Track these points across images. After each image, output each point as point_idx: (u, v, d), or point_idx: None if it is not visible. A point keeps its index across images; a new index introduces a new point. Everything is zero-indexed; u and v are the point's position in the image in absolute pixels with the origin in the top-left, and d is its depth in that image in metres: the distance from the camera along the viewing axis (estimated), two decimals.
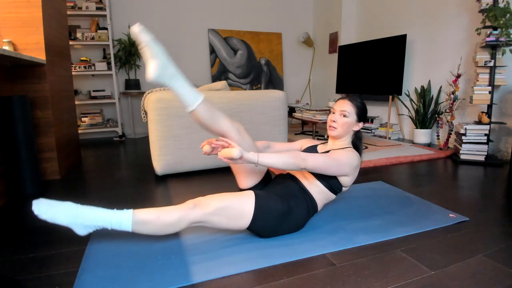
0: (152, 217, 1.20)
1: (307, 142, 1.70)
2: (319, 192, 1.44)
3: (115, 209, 1.21)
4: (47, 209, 1.15)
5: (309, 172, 1.45)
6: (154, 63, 1.22)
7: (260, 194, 1.34)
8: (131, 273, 1.13)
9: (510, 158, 2.61)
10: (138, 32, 1.18)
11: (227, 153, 1.21)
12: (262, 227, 1.33)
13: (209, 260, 1.22)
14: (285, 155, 1.27)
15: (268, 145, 1.67)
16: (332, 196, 1.48)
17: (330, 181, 1.44)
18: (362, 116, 1.51)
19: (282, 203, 1.35)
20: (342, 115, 1.48)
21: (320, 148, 1.58)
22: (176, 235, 1.41)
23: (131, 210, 1.20)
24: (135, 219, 1.19)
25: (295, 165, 1.28)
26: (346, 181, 1.45)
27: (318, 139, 3.85)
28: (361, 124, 1.52)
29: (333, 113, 1.52)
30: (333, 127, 1.50)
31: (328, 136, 1.58)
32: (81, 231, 1.19)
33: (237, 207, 1.27)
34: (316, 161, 1.32)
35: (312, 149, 1.58)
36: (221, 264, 1.18)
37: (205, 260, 1.21)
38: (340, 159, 1.38)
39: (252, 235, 1.40)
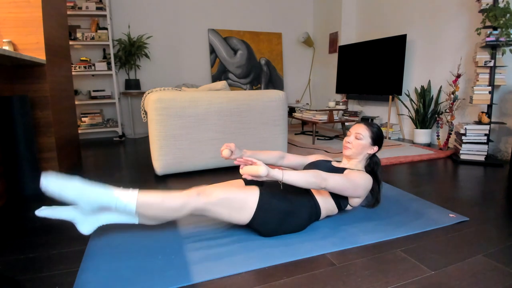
0: (157, 200, 1.22)
1: (320, 157, 1.73)
2: (325, 202, 1.47)
3: (121, 187, 1.23)
4: (55, 182, 1.16)
5: None
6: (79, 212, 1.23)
7: (265, 192, 1.35)
8: (131, 273, 1.13)
9: (510, 158, 2.62)
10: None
11: (253, 170, 1.22)
12: (263, 224, 1.33)
13: (209, 260, 1.21)
14: (307, 174, 1.29)
15: (283, 156, 1.71)
16: (335, 210, 1.51)
17: (340, 199, 1.47)
18: (376, 140, 1.55)
19: (285, 202, 1.36)
20: (356, 137, 1.53)
21: (335, 164, 1.61)
22: (176, 234, 1.41)
23: (136, 190, 1.22)
24: (140, 200, 1.20)
25: (316, 184, 1.30)
26: (356, 202, 1.49)
27: (318, 139, 3.85)
28: (375, 148, 1.56)
29: (349, 135, 1.58)
30: (348, 147, 1.55)
31: (343, 157, 1.62)
32: (86, 206, 1.20)
33: (240, 200, 1.28)
34: (335, 182, 1.34)
35: (326, 163, 1.60)
36: (221, 264, 1.18)
37: (206, 260, 1.21)
38: (357, 181, 1.41)
39: (253, 235, 1.40)
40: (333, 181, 1.33)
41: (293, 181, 1.26)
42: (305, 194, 1.45)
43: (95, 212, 1.28)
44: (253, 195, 1.31)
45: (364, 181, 1.44)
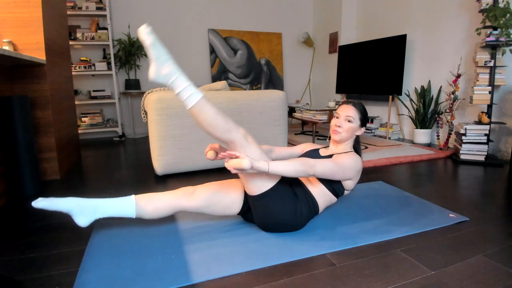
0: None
1: (308, 146, 1.71)
2: (321, 195, 1.45)
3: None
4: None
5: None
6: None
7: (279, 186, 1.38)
8: (131, 273, 1.13)
9: (510, 158, 2.62)
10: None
11: (236, 164, 1.17)
12: (266, 210, 1.35)
13: (209, 260, 1.22)
14: (295, 162, 1.27)
15: (271, 149, 1.69)
16: (334, 199, 1.50)
17: (333, 185, 1.46)
18: (364, 120, 1.54)
19: (293, 198, 1.38)
20: (347, 120, 1.50)
21: (322, 152, 1.59)
22: (176, 235, 1.41)
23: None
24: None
25: (304, 172, 1.28)
26: (349, 184, 1.47)
27: (318, 139, 3.85)
28: (363, 129, 1.54)
29: (337, 117, 1.53)
30: (338, 132, 1.51)
31: (329, 139, 1.59)
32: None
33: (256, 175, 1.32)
34: (323, 167, 1.33)
35: (315, 153, 1.59)
36: (221, 264, 1.18)
37: (205, 260, 1.21)
38: (345, 164, 1.40)
39: (253, 235, 1.40)
40: (321, 166, 1.32)
41: (280, 171, 1.24)
42: (300, 189, 1.44)
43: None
44: (272, 179, 1.35)
45: (352, 162, 1.42)
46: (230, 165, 1.20)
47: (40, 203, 1.24)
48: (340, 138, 1.51)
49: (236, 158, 1.20)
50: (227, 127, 1.26)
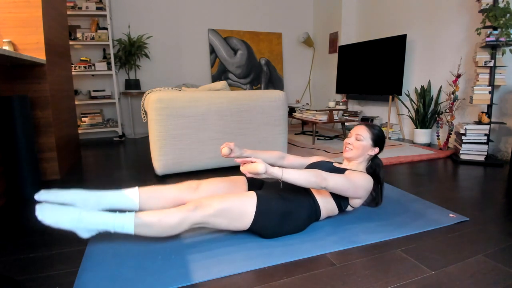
0: (154, 220, 1.20)
1: (321, 158, 1.73)
2: (326, 204, 1.47)
3: (117, 212, 1.21)
4: (50, 214, 1.15)
5: None
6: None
7: (262, 195, 1.35)
8: (131, 273, 1.13)
9: (510, 158, 2.62)
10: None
11: (252, 168, 1.22)
12: (264, 227, 1.33)
13: (209, 260, 1.22)
14: (308, 173, 1.29)
15: (283, 156, 1.71)
16: (336, 211, 1.51)
17: (340, 199, 1.47)
18: (377, 141, 1.55)
19: (283, 203, 1.36)
20: (357, 138, 1.53)
21: (336, 165, 1.61)
22: (176, 234, 1.41)
23: (133, 213, 1.20)
24: (137, 222, 1.19)
25: (316, 184, 1.29)
26: (357, 203, 1.49)
27: (318, 139, 3.85)
28: (376, 150, 1.56)
29: (350, 137, 1.58)
30: (348, 149, 1.56)
31: (343, 159, 1.62)
32: (85, 234, 1.20)
33: (237, 208, 1.27)
34: (336, 182, 1.34)
35: (327, 163, 1.61)
36: (221, 264, 1.18)
37: (205, 260, 1.21)
38: (357, 182, 1.41)
39: (253, 235, 1.40)
40: (333, 181, 1.33)
41: (293, 179, 1.26)
42: (304, 194, 1.45)
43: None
44: (250, 201, 1.30)
45: (364, 182, 1.44)
46: (245, 169, 1.24)
47: (43, 195, 1.23)
48: (350, 155, 1.55)
49: (251, 162, 1.23)
50: (179, 221, 1.22)
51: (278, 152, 1.70)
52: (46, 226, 1.16)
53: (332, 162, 1.64)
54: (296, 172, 1.27)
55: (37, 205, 1.16)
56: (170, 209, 1.25)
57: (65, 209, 1.18)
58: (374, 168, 1.59)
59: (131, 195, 1.38)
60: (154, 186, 1.46)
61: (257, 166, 1.21)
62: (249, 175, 1.24)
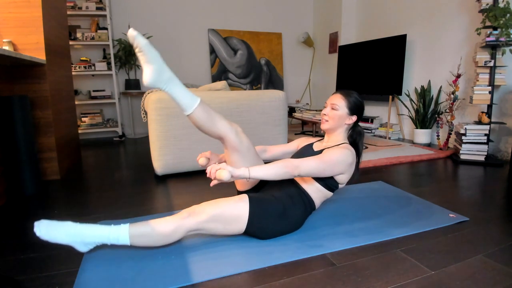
0: (149, 230, 1.20)
1: (304, 140, 1.69)
2: (315, 191, 1.44)
3: (112, 225, 1.20)
4: (48, 230, 1.15)
5: None
6: (150, 68, 1.23)
7: (254, 197, 1.34)
8: (131, 273, 1.13)
9: (510, 158, 2.61)
10: (134, 36, 1.18)
11: (218, 176, 1.20)
12: (259, 229, 1.33)
13: (209, 260, 1.22)
14: (276, 165, 1.27)
15: (265, 149, 1.69)
16: (329, 194, 1.48)
17: (326, 180, 1.44)
18: (354, 109, 1.49)
19: (277, 203, 1.35)
20: (332, 108, 1.49)
21: (316, 146, 1.57)
22: None
23: (127, 225, 1.20)
24: (132, 233, 1.18)
25: (288, 174, 1.27)
26: (342, 178, 1.44)
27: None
28: (354, 118, 1.50)
29: (325, 107, 1.53)
30: (324, 120, 1.52)
31: (324, 132, 1.58)
32: (82, 248, 1.20)
33: (231, 212, 1.27)
34: (308, 167, 1.31)
35: (308, 148, 1.58)
36: (221, 264, 1.18)
37: (205, 260, 1.21)
38: (332, 159, 1.36)
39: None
40: (305, 166, 1.30)
41: (262, 175, 1.24)
42: (294, 189, 1.43)
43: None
44: (243, 204, 1.29)
45: (342, 156, 1.38)
46: (212, 177, 1.23)
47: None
48: (327, 127, 1.51)
49: (216, 170, 1.22)
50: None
51: (260, 147, 1.67)
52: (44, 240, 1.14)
53: (312, 144, 1.59)
54: (264, 168, 1.25)
55: (35, 222, 1.16)
56: (164, 218, 1.24)
57: (62, 224, 1.18)
58: (354, 137, 1.53)
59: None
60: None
61: (221, 173, 1.19)
62: (216, 182, 1.24)
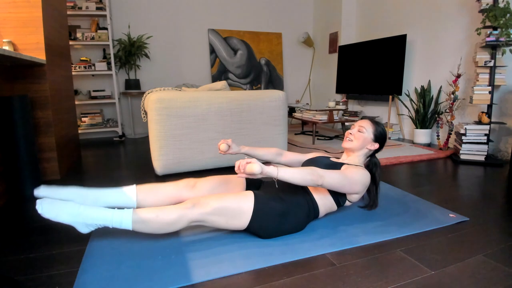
0: (152, 216, 1.21)
1: (319, 154, 1.71)
2: (324, 201, 1.46)
3: (115, 208, 1.23)
4: (50, 208, 1.17)
5: None
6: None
7: (260, 195, 1.35)
8: (131, 273, 1.13)
9: (510, 158, 2.62)
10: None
11: (248, 169, 1.21)
12: (261, 227, 1.33)
13: (209, 260, 1.22)
14: (303, 170, 1.28)
15: (280, 153, 1.71)
16: (335, 207, 1.50)
17: (339, 195, 1.46)
18: (379, 138, 1.55)
19: (281, 203, 1.36)
20: (359, 130, 1.54)
21: (333, 160, 1.59)
22: (176, 234, 1.41)
23: (131, 209, 1.22)
24: (135, 218, 1.20)
25: (312, 181, 1.28)
26: (355, 198, 1.48)
27: (318, 139, 3.85)
28: (376, 145, 1.55)
29: (352, 128, 1.58)
30: (348, 139, 1.55)
31: (343, 151, 1.61)
32: (83, 229, 1.22)
33: (235, 207, 1.28)
34: (332, 179, 1.32)
35: (325, 158, 1.59)
36: (221, 264, 1.18)
37: (205, 260, 1.21)
38: (354, 177, 1.39)
39: (252, 235, 1.40)
40: (329, 178, 1.32)
41: (288, 178, 1.25)
42: (301, 192, 1.44)
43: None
44: (248, 200, 1.30)
45: (361, 177, 1.42)
46: (241, 170, 1.23)
47: (43, 191, 1.25)
48: (350, 146, 1.54)
49: (246, 164, 1.22)
50: (176, 218, 1.23)
51: (276, 149, 1.70)
52: (45, 225, 1.16)
53: (329, 157, 1.63)
54: (291, 170, 1.26)
55: (38, 200, 1.18)
56: (168, 206, 1.26)
57: (65, 204, 1.19)
58: (371, 167, 1.57)
59: (128, 193, 1.39)
60: (152, 184, 1.47)
61: (253, 167, 1.20)
62: (244, 176, 1.24)
